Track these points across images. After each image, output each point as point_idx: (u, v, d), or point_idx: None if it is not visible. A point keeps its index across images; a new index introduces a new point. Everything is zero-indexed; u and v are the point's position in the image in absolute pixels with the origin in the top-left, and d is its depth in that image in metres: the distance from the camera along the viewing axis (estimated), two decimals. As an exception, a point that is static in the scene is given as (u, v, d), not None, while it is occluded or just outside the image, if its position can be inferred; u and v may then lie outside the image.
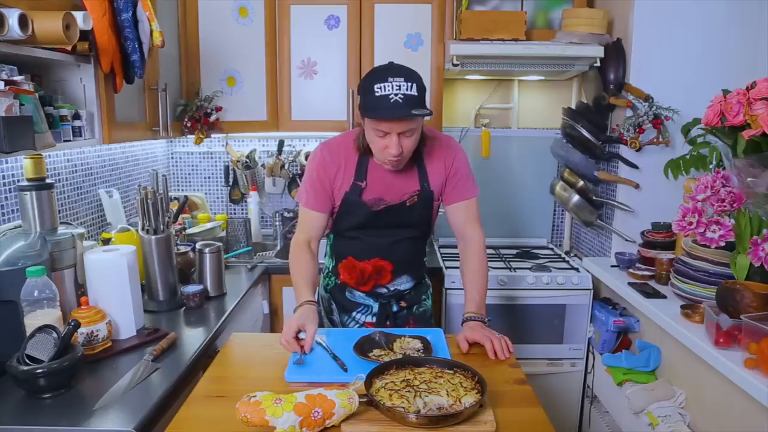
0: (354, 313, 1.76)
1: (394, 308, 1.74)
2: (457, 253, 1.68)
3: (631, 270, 2.15)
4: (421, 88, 1.46)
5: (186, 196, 2.62)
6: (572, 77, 2.72)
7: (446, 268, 2.40)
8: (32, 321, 1.32)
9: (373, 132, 1.49)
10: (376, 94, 1.42)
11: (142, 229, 1.78)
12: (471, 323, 1.55)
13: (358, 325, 1.76)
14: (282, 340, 1.43)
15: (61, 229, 1.59)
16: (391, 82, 1.41)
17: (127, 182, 2.48)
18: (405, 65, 1.49)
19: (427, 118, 1.51)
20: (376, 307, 1.74)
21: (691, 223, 1.71)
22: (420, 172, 1.66)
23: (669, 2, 2.16)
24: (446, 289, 2.33)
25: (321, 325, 1.82)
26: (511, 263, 2.53)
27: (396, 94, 1.40)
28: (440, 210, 1.76)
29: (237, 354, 1.50)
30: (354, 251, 1.70)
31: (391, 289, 1.73)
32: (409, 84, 1.43)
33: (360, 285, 1.72)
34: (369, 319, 1.75)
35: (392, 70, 1.46)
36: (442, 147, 1.68)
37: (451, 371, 1.25)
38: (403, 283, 1.75)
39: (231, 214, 2.98)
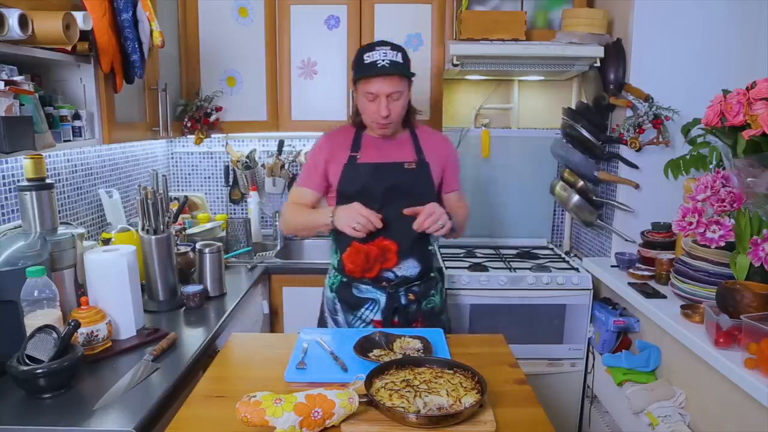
0: (361, 311, 1.75)
1: (402, 301, 1.73)
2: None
3: (631, 270, 2.15)
4: (406, 58, 1.66)
5: (186, 196, 2.62)
6: (572, 77, 2.72)
7: (446, 268, 2.40)
8: (32, 321, 1.32)
9: (364, 97, 1.65)
10: (366, 61, 1.62)
11: (142, 229, 1.78)
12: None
13: (364, 325, 1.75)
14: (360, 218, 1.60)
15: (61, 229, 1.59)
16: (378, 50, 1.62)
17: (127, 182, 2.48)
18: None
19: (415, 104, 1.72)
20: (383, 300, 1.72)
21: (691, 223, 1.71)
22: (414, 144, 1.78)
23: (669, 2, 2.16)
24: (446, 289, 2.32)
25: (324, 325, 1.82)
26: (511, 263, 2.53)
27: (383, 60, 1.60)
28: None
29: (237, 354, 1.50)
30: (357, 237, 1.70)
31: (399, 274, 1.72)
32: (395, 52, 1.63)
33: (366, 272, 1.70)
34: (376, 316, 1.74)
35: (379, 42, 1.66)
36: (439, 136, 1.87)
37: (451, 371, 1.25)
38: (410, 269, 1.73)
39: (231, 214, 2.98)
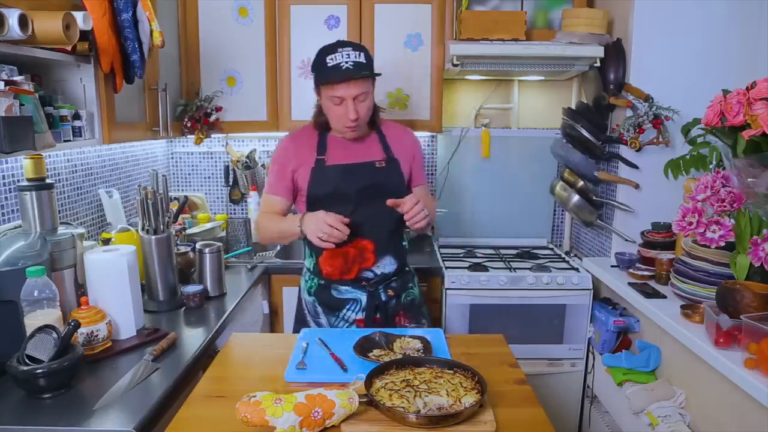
0: (343, 312, 1.74)
1: (383, 297, 1.73)
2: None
3: (631, 270, 2.15)
4: (369, 57, 1.61)
5: (186, 196, 2.62)
6: (572, 77, 2.72)
7: (446, 268, 2.40)
8: (32, 321, 1.32)
9: (330, 101, 1.60)
10: (329, 64, 1.56)
11: (142, 229, 1.78)
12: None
13: (347, 325, 1.75)
14: (326, 227, 1.54)
15: (61, 229, 1.59)
16: (340, 52, 1.56)
17: (127, 182, 2.48)
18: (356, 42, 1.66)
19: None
20: (364, 299, 1.72)
21: (691, 223, 1.71)
22: (382, 142, 1.75)
23: (669, 2, 2.17)
24: (446, 289, 2.33)
25: (307, 326, 1.81)
26: (511, 263, 2.53)
27: (347, 62, 1.55)
28: None
29: (237, 354, 1.50)
30: None
31: (378, 273, 1.72)
32: (357, 53, 1.58)
33: (344, 273, 1.70)
34: (358, 315, 1.74)
35: (340, 43, 1.60)
36: (404, 130, 1.83)
37: (451, 371, 1.25)
38: (388, 266, 1.74)
39: (231, 214, 2.98)
